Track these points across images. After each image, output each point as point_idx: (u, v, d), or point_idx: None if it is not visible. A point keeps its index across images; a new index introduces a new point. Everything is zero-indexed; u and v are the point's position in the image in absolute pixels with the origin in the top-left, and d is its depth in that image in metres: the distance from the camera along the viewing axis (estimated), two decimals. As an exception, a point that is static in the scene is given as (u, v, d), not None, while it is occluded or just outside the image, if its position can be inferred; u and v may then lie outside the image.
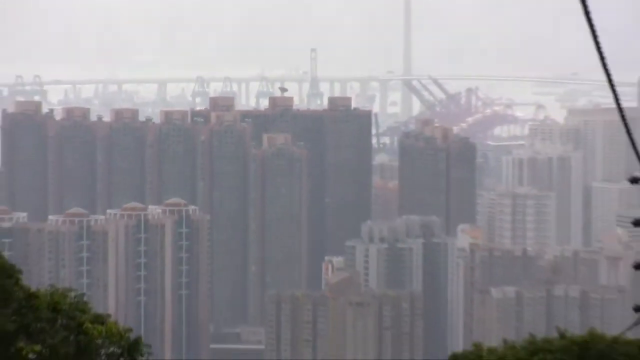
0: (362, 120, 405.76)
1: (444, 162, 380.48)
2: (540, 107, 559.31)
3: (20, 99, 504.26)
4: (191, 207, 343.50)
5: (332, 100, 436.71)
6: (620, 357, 37.66)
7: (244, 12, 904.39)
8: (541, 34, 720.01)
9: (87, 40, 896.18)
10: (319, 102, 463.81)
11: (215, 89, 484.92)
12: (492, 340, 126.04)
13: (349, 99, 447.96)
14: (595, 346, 39.14)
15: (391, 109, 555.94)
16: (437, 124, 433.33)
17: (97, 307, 33.80)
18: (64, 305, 30.35)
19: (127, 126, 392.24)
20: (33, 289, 30.52)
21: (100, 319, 30.60)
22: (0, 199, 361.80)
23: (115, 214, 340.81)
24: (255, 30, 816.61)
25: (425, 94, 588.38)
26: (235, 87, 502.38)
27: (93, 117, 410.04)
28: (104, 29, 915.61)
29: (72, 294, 31.08)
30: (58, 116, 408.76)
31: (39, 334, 29.44)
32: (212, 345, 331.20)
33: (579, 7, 14.42)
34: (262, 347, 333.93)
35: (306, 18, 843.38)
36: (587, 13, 14.39)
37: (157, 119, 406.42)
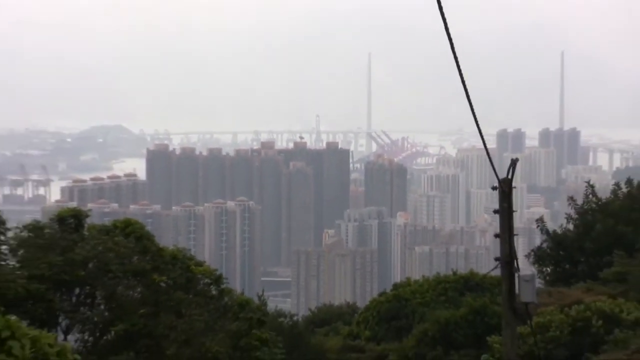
0: (344, 155, 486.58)
1: (389, 177, 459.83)
2: (442, 147, 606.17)
3: (157, 142, 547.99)
4: (250, 202, 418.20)
5: (328, 144, 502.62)
6: (487, 286, 58.31)
7: (283, 86, 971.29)
8: (440, 105, 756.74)
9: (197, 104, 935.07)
10: (320, 144, 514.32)
11: (264, 136, 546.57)
12: (416, 275, 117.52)
13: (337, 142, 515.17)
14: (473, 279, 63.38)
15: (360, 148, 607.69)
16: (385, 157, 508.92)
17: (198, 258, 45.00)
18: (180, 256, 41.92)
19: (216, 157, 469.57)
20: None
21: (199, 264, 43.01)
22: (144, 197, 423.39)
23: (208, 206, 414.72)
24: (287, 101, 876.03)
25: (379, 140, 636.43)
26: (274, 136, 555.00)
27: (197, 152, 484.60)
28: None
29: (184, 249, 43.63)
30: (177, 151, 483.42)
31: (164, 271, 39.81)
32: (262, 278, 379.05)
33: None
34: (289, 279, 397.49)
35: (313, 95, 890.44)
36: (464, 83, 15.62)
37: (232, 153, 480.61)
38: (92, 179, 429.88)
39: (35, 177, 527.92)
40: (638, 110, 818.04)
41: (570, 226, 67.24)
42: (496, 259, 27.87)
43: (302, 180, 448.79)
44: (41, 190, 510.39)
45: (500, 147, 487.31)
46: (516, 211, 26.88)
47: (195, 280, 41.95)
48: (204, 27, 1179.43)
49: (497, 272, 28.09)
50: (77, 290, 38.33)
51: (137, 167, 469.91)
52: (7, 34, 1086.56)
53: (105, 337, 38.79)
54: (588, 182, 71.95)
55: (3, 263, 37.34)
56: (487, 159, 30.83)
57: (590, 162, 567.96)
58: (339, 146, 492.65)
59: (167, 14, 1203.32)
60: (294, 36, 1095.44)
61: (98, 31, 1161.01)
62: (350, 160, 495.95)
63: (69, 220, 40.27)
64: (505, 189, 26.81)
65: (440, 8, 12.03)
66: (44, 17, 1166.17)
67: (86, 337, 38.23)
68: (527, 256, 63.45)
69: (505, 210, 26.61)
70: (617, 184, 69.51)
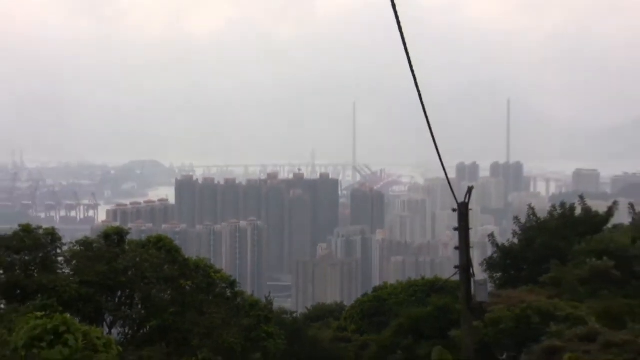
0: (334, 184, 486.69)
1: (370, 202, 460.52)
2: (412, 177, 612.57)
3: (183, 173, 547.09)
4: (259, 222, 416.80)
5: (321, 175, 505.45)
6: (449, 289, 55.52)
7: (285, 129, 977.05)
8: (411, 144, 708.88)
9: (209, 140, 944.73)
10: (315, 175, 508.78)
11: (270, 169, 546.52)
12: (392, 280, 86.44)
13: (328, 174, 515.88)
14: (438, 283, 64.14)
15: (347, 179, 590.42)
16: (367, 185, 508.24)
17: (216, 266, 44.12)
18: (202, 265, 41.97)
19: (231, 186, 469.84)
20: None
21: (218, 271, 43.12)
22: (173, 218, 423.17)
23: (225, 225, 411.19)
24: (288, 141, 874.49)
25: (362, 172, 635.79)
26: (278, 168, 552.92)
27: (216, 182, 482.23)
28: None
29: (205, 259, 43.04)
30: (200, 181, 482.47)
31: (189, 277, 40.09)
32: (268, 283, 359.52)
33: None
34: (290, 284, 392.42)
35: (309, 136, 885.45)
36: (430, 127, 16.03)
37: (244, 183, 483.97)
38: (131, 204, 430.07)
39: (86, 202, 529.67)
40: (569, 147, 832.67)
41: (516, 240, 66.61)
42: (456, 267, 28.71)
43: (300, 204, 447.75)
44: (91, 213, 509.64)
45: (459, 177, 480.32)
46: (472, 229, 27.40)
47: (214, 285, 42.21)
48: (224, 82, 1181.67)
49: (457, 278, 28.64)
50: (119, 293, 38.54)
51: (168, 193, 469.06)
52: (71, 88, 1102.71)
53: (141, 331, 39.13)
54: (529, 205, 72.11)
55: (59, 271, 37.64)
56: (449, 187, 29.25)
57: (531, 189, 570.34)
58: (330, 177, 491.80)
59: (193, 72, 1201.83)
60: (295, 89, 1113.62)
61: (139, 85, 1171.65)
62: (339, 188, 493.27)
63: (113, 237, 40.66)
64: (462, 211, 27.84)
65: (411, 67, 12.35)
66: (101, 75, 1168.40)
67: (126, 331, 38.68)
68: (481, 265, 62.97)
69: (463, 228, 27.46)
70: (553, 207, 68.90)
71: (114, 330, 37.93)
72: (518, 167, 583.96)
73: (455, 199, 27.24)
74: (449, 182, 28.24)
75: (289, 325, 54.85)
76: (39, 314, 24.58)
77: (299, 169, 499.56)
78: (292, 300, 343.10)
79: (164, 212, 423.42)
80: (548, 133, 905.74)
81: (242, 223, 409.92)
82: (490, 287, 45.24)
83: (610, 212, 65.58)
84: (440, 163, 21.46)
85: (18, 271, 36.43)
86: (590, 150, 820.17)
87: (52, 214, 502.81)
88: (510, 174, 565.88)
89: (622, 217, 67.46)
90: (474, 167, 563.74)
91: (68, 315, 24.63)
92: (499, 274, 63.08)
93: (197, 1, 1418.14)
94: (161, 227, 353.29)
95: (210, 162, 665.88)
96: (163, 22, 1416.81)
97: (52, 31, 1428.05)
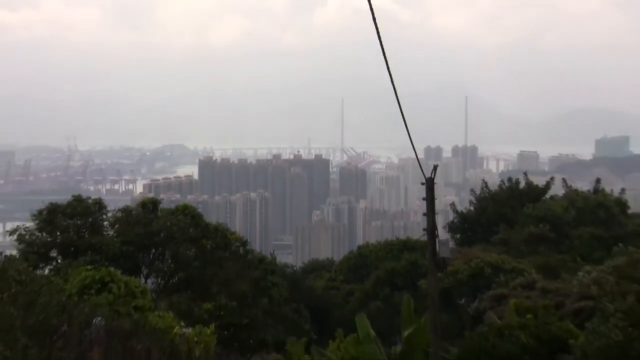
0: (325, 163, 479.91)
1: (354, 177, 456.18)
2: (389, 158, 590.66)
3: (205, 155, 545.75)
4: (266, 193, 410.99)
5: (316, 156, 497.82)
6: (418, 247, 55.56)
7: (289, 119, 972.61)
8: (389, 131, 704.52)
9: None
10: (311, 156, 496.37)
11: (274, 151, 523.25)
12: (372, 241, 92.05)
13: (321, 155, 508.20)
14: (409, 243, 63.37)
15: (336, 159, 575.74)
16: (352, 164, 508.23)
17: (231, 229, 44.69)
18: (220, 228, 41.94)
19: (243, 165, 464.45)
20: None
21: (232, 233, 43.09)
22: (197, 190, 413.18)
23: (239, 196, 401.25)
24: (290, 129, 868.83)
25: (349, 153, 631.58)
26: (281, 151, 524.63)
27: (231, 161, 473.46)
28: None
29: (223, 224, 44.15)
30: (218, 161, 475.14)
31: (210, 238, 39.69)
32: (273, 242, 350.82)
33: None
34: (291, 243, 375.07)
35: (307, 125, 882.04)
36: (403, 118, 15.08)
37: (254, 162, 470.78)
38: (163, 179, 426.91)
39: (126, 177, 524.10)
40: (513, 134, 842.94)
41: (472, 208, 67.75)
42: (424, 230, 26.50)
43: (299, 179, 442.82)
44: (130, 186, 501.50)
45: (427, 157, 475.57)
46: (437, 199, 25.39)
47: (229, 244, 42.00)
48: (239, 80, 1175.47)
49: (425, 238, 26.29)
50: (153, 251, 38.74)
51: (193, 171, 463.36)
52: (116, 85, 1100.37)
53: (171, 282, 39.35)
54: (483, 180, 73.02)
55: (105, 233, 38.16)
56: (418, 165, 27.36)
57: (484, 167, 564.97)
58: (323, 157, 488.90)
59: (215, 72, 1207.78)
60: (296, 87, 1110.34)
61: (171, 83, 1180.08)
62: (330, 167, 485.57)
63: (148, 206, 40.94)
64: (429, 184, 27.29)
65: (389, 70, 12.24)
66: (140, 74, 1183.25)
67: (159, 282, 38.95)
68: (444, 228, 63.03)
69: (430, 199, 26.95)
70: (502, 181, 69.52)
71: (148, 281, 38.07)
72: (473, 149, 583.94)
73: (424, 175, 25.35)
74: (418, 162, 27.08)
75: (290, 276, 55.03)
76: (88, 267, 25.54)
77: (298, 151, 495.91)
78: (292, 257, 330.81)
79: (189, 185, 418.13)
80: (497, 122, 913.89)
81: (252, 194, 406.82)
82: (451, 245, 41.88)
83: (547, 186, 66.51)
84: (411, 146, 21.37)
85: (72, 233, 36.84)
86: (530, 136, 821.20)
87: (99, 187, 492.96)
88: (467, 155, 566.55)
89: (557, 190, 67.80)
90: (438, 150, 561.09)
91: (112, 269, 25.56)
92: (458, 235, 63.86)
93: (219, 14, 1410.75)
94: (187, 197, 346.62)
95: (227, 146, 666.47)
96: (190, 30, 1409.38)
97: (101, 38, 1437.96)
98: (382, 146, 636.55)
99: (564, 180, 68.13)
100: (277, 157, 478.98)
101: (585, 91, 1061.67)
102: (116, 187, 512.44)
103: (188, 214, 40.88)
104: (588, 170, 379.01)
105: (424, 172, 25.86)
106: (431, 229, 26.78)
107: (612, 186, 71.45)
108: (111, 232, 38.39)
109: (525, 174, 69.96)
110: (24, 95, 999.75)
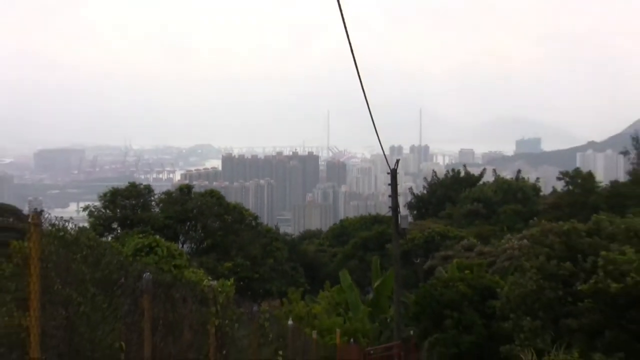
0: (315, 158, 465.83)
1: (337, 169, 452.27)
2: (363, 154, 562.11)
3: (226, 152, 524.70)
4: (272, 180, 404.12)
5: (308, 153, 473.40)
6: (385, 220, 50.69)
7: (289, 126, 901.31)
8: (363, 134, 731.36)
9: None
10: (304, 153, 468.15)
11: (277, 149, 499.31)
12: (351, 216, 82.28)
13: (313, 152, 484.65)
14: (379, 217, 60.44)
15: (323, 155, 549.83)
16: (336, 159, 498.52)
17: (245, 207, 43.54)
18: (238, 207, 41.48)
19: (255, 159, 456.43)
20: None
21: (247, 210, 43.50)
22: (221, 179, 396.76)
23: (251, 182, 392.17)
24: (289, 132, 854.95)
25: (333, 150, 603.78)
26: (282, 149, 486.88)
27: (245, 157, 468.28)
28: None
29: (240, 204, 43.62)
30: (236, 156, 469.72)
31: (229, 214, 38.78)
32: (277, 217, 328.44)
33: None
34: (290, 218, 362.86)
35: (302, 130, 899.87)
36: (374, 124, 14.76)
37: (262, 157, 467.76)
38: (195, 170, 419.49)
39: (168, 169, 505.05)
40: (456, 135, 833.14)
41: (425, 192, 68.20)
42: (389, 208, 28.02)
43: (295, 170, 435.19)
44: (170, 176, 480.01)
45: (392, 154, 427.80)
46: (399, 184, 26.64)
47: (244, 218, 41.63)
48: (252, 94, 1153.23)
49: (390, 214, 27.97)
50: (188, 223, 38.38)
51: (217, 164, 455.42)
52: (160, 97, 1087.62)
53: (201, 246, 39.02)
54: (433, 171, 75.38)
55: (152, 210, 37.72)
56: (385, 160, 29.73)
57: (434, 161, 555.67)
58: (314, 154, 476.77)
59: (233, 86, 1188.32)
60: (295, 101, 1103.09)
61: (201, 95, 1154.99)
62: (319, 161, 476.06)
63: (184, 190, 40.53)
64: (393, 174, 27.90)
65: (362, 88, 12.15)
66: (179, 87, 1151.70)
67: (192, 246, 38.77)
68: (405, 206, 62.70)
69: (394, 185, 27.17)
70: (447, 171, 69.56)
71: (184, 246, 37.91)
72: (426, 147, 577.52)
73: (389, 166, 27.28)
74: (385, 157, 28.24)
75: (289, 242, 54.28)
76: (140, 235, 25.60)
77: (295, 149, 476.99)
78: (291, 228, 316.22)
79: (215, 175, 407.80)
80: (444, 127, 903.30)
81: (261, 181, 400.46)
82: (409, 219, 44.51)
83: (481, 175, 67.10)
84: (379, 145, 21.52)
85: (128, 210, 36.52)
86: (468, 137, 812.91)
87: (148, 176, 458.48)
88: (422, 152, 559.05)
89: (488, 178, 67.45)
90: (400, 148, 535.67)
91: (157, 237, 25.51)
92: (415, 211, 63.93)
93: (239, 40, 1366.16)
94: (213, 184, 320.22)
95: (243, 145, 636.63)
96: (216, 52, 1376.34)
97: (143, 58, 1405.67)
98: (358, 145, 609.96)
99: (493, 170, 68.05)
100: (279, 153, 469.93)
101: (509, 103, 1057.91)
102: (160, 176, 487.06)
103: (214, 196, 40.65)
104: (511, 163, 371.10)
105: (389, 164, 27.44)
106: (395, 207, 26.87)
107: (529, 175, 71.38)
108: (157, 210, 38.10)
109: (464, 166, 70.21)
110: (94, 105, 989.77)
